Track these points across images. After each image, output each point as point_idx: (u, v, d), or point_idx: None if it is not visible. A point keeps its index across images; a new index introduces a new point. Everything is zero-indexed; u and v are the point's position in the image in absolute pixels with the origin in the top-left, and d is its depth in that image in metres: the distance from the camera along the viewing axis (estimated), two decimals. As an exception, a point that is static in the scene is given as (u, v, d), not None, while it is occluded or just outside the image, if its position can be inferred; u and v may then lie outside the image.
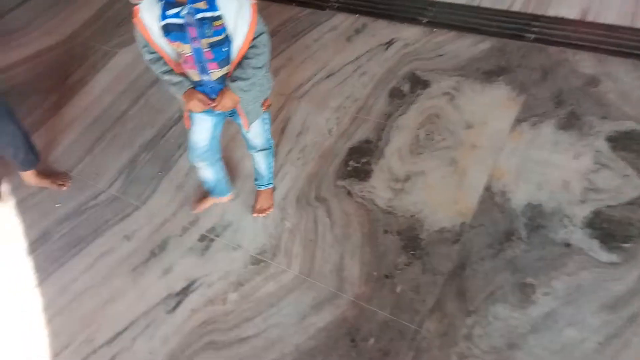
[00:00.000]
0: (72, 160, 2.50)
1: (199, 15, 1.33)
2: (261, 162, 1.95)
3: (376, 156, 2.24)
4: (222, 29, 1.37)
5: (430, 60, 2.60)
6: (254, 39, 1.40)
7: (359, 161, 2.24)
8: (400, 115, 2.37)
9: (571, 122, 2.19)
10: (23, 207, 2.31)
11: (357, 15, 3.01)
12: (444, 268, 1.83)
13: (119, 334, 1.83)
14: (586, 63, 2.43)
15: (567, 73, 2.40)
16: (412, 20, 2.88)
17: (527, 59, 2.51)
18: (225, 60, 1.44)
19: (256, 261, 1.96)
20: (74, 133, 2.64)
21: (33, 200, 2.33)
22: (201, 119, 1.66)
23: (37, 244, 2.15)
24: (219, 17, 1.34)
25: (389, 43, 2.77)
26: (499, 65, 2.51)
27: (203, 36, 1.36)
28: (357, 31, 2.91)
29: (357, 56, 2.75)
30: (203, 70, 1.44)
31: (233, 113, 1.62)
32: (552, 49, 2.53)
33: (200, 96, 1.47)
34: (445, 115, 2.34)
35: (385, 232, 1.97)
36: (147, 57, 1.46)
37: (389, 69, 2.61)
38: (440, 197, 2.04)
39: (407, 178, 2.13)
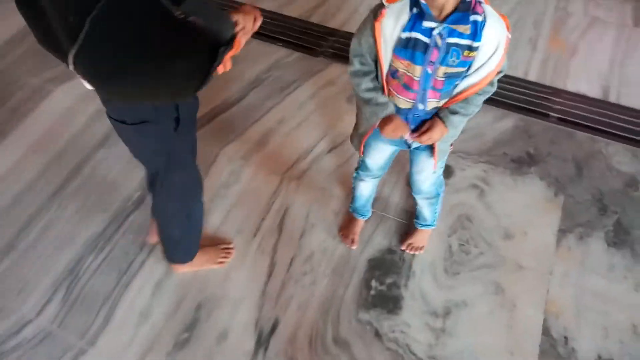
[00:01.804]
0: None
1: (452, 40, 1.00)
2: (424, 207, 1.55)
3: (404, 275, 1.63)
4: (470, 62, 1.03)
5: (449, 139, 2.02)
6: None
7: (383, 281, 1.62)
8: (424, 213, 1.77)
9: (621, 238, 1.72)
10: None
11: (355, 68, 2.34)
12: None
13: None
14: (621, 158, 1.97)
15: (603, 169, 1.94)
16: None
17: (557, 147, 2.01)
18: (449, 93, 1.11)
19: None
20: (-12, 215, 1.76)
21: None
22: (381, 148, 1.33)
23: None
24: (475, 49, 1.01)
25: (397, 109, 2.14)
26: (527, 151, 2.00)
27: (444, 63, 1.03)
28: (358, 89, 2.25)
29: (362, 124, 2.10)
30: (421, 99, 1.11)
31: (419, 146, 1.28)
32: (581, 135, 2.06)
33: (401, 122, 1.15)
34: (478, 218, 1.78)
35: (433, 402, 1.38)
36: (356, 67, 1.13)
37: (402, 146, 2.00)
38: (491, 344, 1.48)
39: (447, 312, 1.54)
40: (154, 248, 1.68)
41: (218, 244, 1.66)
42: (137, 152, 1.19)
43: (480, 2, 0.98)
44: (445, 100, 1.13)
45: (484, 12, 0.98)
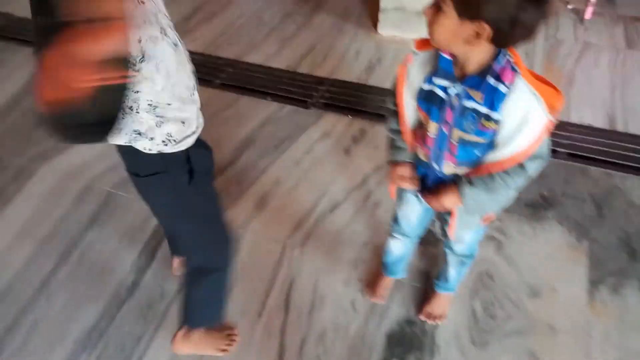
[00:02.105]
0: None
1: (469, 104, 0.88)
2: (452, 266, 1.37)
3: (428, 350, 1.44)
4: (490, 134, 0.89)
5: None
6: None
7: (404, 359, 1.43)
8: (441, 274, 1.60)
9: (657, 284, 1.55)
10: None
11: (349, 117, 2.22)
12: None
13: None
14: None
15: (623, 207, 1.78)
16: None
17: (571, 185, 1.86)
18: (470, 162, 0.97)
19: None
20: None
21: None
22: (408, 200, 1.21)
23: None
24: (496, 121, 0.87)
25: (398, 157, 1.99)
26: (541, 193, 1.84)
27: (459, 127, 0.92)
28: (355, 140, 2.11)
29: (364, 178, 1.95)
30: (436, 158, 1.01)
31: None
32: (595, 171, 1.91)
33: (408, 173, 1.07)
34: (500, 274, 1.60)
35: None
36: (389, 106, 1.05)
37: (409, 199, 1.84)
38: None
39: (480, 392, 1.35)
40: (152, 338, 1.50)
41: (221, 327, 1.48)
42: (154, 207, 1.15)
43: (515, 71, 0.83)
44: (466, 168, 0.99)
45: (513, 83, 0.83)
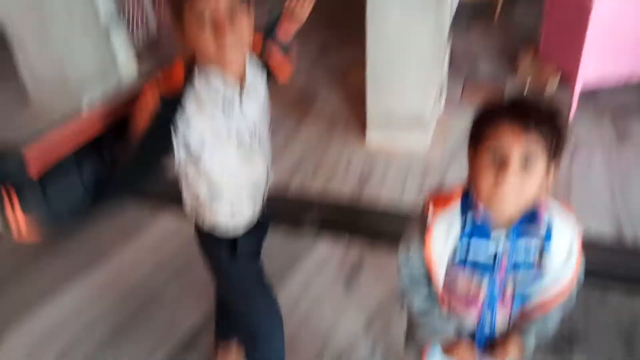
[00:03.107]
0: None
1: (521, 244, 0.84)
2: None
3: None
4: (545, 267, 0.86)
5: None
6: None
7: None
8: None
9: None
10: None
11: (346, 242, 2.07)
12: None
13: None
14: (668, 320, 1.67)
15: (653, 339, 1.61)
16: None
17: (594, 316, 1.70)
18: (522, 304, 0.93)
19: None
20: None
21: None
22: (436, 356, 1.07)
23: None
24: (547, 250, 0.84)
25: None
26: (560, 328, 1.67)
27: (516, 269, 0.86)
28: (355, 269, 1.95)
29: (368, 319, 1.76)
30: (489, 314, 0.93)
31: None
32: (613, 296, 1.77)
33: (468, 347, 0.96)
34: None
35: None
36: (406, 280, 0.96)
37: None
38: None
39: None
40: None
41: None
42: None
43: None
44: (516, 315, 0.97)
45: (547, 208, 0.85)
